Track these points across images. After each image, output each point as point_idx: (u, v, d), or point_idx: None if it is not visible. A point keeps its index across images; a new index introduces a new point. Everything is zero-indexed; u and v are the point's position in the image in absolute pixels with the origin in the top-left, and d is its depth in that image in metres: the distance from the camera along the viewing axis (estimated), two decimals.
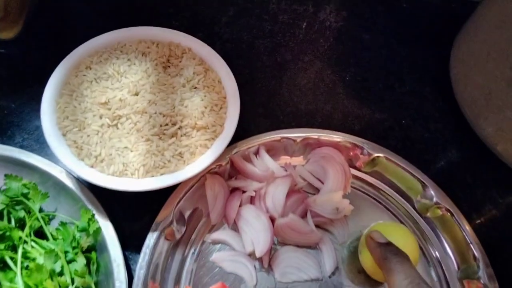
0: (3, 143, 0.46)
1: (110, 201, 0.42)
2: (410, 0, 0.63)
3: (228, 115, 0.43)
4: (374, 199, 0.48)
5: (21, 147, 0.46)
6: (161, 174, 0.39)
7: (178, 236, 0.43)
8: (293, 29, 0.60)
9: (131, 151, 0.39)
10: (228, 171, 0.46)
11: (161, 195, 0.43)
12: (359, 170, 0.49)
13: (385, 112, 0.54)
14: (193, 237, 0.45)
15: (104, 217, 0.41)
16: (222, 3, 0.61)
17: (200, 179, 0.44)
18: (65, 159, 0.38)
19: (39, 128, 0.49)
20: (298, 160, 0.49)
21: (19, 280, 0.35)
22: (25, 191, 0.40)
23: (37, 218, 0.40)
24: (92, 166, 0.39)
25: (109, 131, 0.40)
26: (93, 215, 0.40)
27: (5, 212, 0.40)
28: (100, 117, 0.41)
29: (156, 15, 0.58)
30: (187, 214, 0.44)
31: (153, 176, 0.39)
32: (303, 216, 0.46)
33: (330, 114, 0.53)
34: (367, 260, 0.42)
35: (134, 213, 0.44)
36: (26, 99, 0.50)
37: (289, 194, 0.45)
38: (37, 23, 0.55)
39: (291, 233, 0.44)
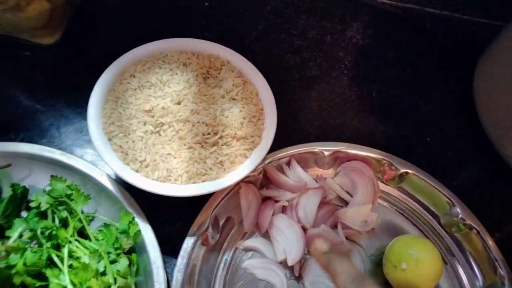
0: (43, 145, 0.47)
1: (146, 204, 0.43)
2: (434, 20, 0.66)
3: (266, 127, 0.44)
4: (400, 213, 0.50)
5: (60, 149, 0.48)
6: (203, 181, 0.41)
7: (212, 242, 0.44)
8: (321, 44, 0.62)
9: (174, 157, 0.41)
10: (260, 181, 0.48)
11: (195, 201, 0.44)
12: (386, 184, 0.50)
13: (410, 129, 0.56)
14: (226, 243, 0.46)
15: (143, 220, 0.42)
16: (252, 18, 0.63)
17: (234, 188, 0.45)
18: (112, 163, 0.39)
19: (77, 131, 0.50)
20: (327, 173, 0.51)
21: (66, 278, 0.36)
22: (69, 192, 0.42)
23: (79, 219, 0.41)
24: (137, 171, 0.40)
25: (153, 138, 0.42)
26: (133, 218, 0.41)
27: (49, 212, 0.41)
28: (144, 124, 0.42)
29: (188, 26, 0.60)
30: (221, 220, 0.45)
31: (195, 182, 0.40)
32: (332, 227, 0.47)
33: (357, 128, 0.55)
34: (390, 271, 0.44)
35: (168, 218, 0.45)
36: (65, 103, 0.52)
37: (319, 206, 0.47)
38: (75, 29, 0.57)
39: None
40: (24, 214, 0.43)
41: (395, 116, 0.57)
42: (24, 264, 0.36)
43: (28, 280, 0.37)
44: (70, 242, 0.39)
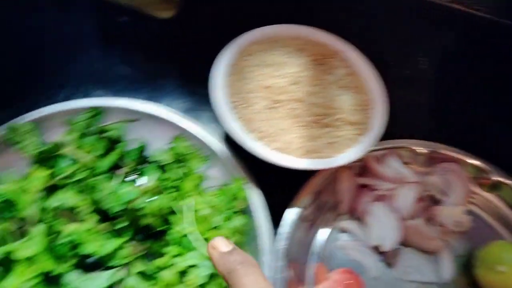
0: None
1: (254, 173, 0.46)
2: None
3: (376, 116, 0.46)
4: (493, 218, 0.50)
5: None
6: (315, 158, 0.43)
7: (310, 218, 0.46)
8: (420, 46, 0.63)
9: (291, 133, 0.44)
10: (358, 168, 0.49)
11: (299, 178, 0.46)
12: (481, 188, 0.51)
13: None
14: (322, 222, 0.48)
15: (254, 185, 0.45)
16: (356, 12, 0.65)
17: (335, 171, 0.47)
18: (235, 131, 0.42)
19: (192, 98, 0.54)
20: (420, 171, 0.52)
21: (187, 226, 0.40)
22: (188, 151, 0.45)
23: (197, 177, 0.44)
24: (257, 140, 0.43)
25: (270, 112, 0.45)
26: (245, 182, 0.44)
27: (169, 168, 0.44)
28: (263, 99, 0.45)
29: (299, 12, 0.63)
30: (320, 200, 0.47)
31: (309, 158, 0.43)
32: (425, 223, 0.48)
33: (463, 131, 0.55)
34: (484, 273, 0.44)
35: (271, 189, 0.48)
36: (183, 74, 0.56)
37: (415, 200, 0.48)
38: (191, 6, 0.61)
39: (415, 236, 0.46)
40: None
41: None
42: (153, 208, 0.40)
43: (156, 222, 0.40)
44: (189, 196, 0.42)
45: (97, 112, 0.46)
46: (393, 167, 0.49)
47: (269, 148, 0.43)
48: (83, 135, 0.44)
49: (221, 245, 0.29)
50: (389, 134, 0.53)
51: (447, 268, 0.46)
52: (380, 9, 0.66)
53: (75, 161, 0.42)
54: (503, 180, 0.49)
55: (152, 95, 0.54)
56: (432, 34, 0.65)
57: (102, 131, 0.44)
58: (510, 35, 0.66)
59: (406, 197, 0.47)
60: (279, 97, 0.45)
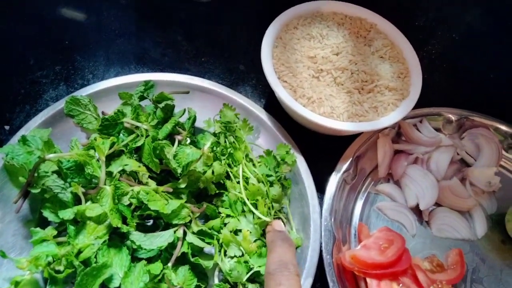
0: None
1: (300, 140, 0.49)
2: None
3: (412, 83, 0.49)
4: None
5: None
6: (360, 121, 0.46)
7: (351, 182, 0.49)
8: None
9: (336, 98, 0.46)
10: (393, 135, 0.52)
11: (340, 144, 0.49)
12: (508, 152, 0.54)
13: None
14: (362, 186, 0.51)
15: (297, 152, 0.48)
16: None
17: (373, 137, 0.50)
18: (284, 97, 0.45)
19: (231, 76, 0.57)
20: (453, 135, 0.54)
21: (242, 190, 0.42)
22: (237, 120, 0.48)
23: (245, 146, 0.47)
24: (305, 106, 0.46)
25: (315, 81, 0.47)
26: (290, 148, 0.47)
27: (221, 136, 0.47)
28: (308, 68, 0.48)
29: None
30: (359, 164, 0.50)
31: (353, 121, 0.46)
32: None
33: (482, 99, 0.58)
34: None
35: (317, 154, 0.50)
36: (222, 53, 0.59)
37: (449, 163, 0.51)
38: None
39: (450, 195, 0.49)
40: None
41: None
42: (210, 174, 0.43)
43: (212, 186, 0.43)
44: (239, 164, 0.45)
45: (150, 85, 0.48)
46: (427, 131, 0.52)
47: (316, 112, 0.45)
48: (139, 106, 0.46)
49: (277, 225, 0.41)
50: (422, 101, 0.56)
51: (480, 226, 0.49)
52: None
53: (133, 130, 0.45)
54: None
55: (195, 71, 0.57)
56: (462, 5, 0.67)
57: (157, 101, 0.46)
58: None
59: (441, 160, 0.50)
60: (323, 66, 0.48)
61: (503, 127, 0.53)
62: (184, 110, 0.48)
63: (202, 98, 0.51)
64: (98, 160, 0.42)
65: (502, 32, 0.66)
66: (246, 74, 0.58)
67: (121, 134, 0.45)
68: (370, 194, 0.51)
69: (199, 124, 0.49)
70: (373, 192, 0.51)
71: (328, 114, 0.46)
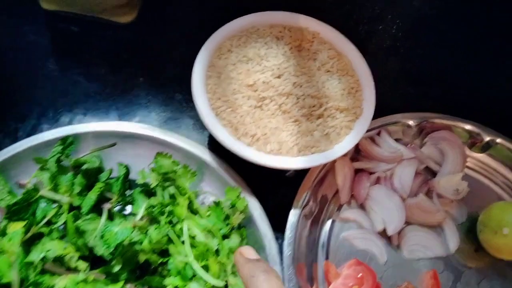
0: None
1: (250, 179, 0.43)
2: None
3: (365, 98, 0.44)
4: (489, 179, 0.50)
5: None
6: (312, 153, 0.41)
7: (313, 214, 0.45)
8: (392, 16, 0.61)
9: (283, 131, 0.41)
10: (351, 153, 0.48)
11: (295, 176, 0.45)
12: (472, 151, 0.51)
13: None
14: (324, 216, 0.47)
15: (249, 194, 0.42)
16: None
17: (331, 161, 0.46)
18: (224, 139, 0.40)
19: (166, 109, 0.50)
20: (414, 144, 0.51)
21: (189, 254, 0.37)
22: (175, 168, 0.42)
23: (188, 196, 0.41)
24: (249, 145, 0.40)
25: (258, 112, 0.42)
26: (240, 192, 0.42)
27: (158, 189, 0.41)
28: (248, 99, 0.42)
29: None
30: (319, 193, 0.46)
31: (305, 155, 0.41)
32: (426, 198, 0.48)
33: (439, 98, 0.55)
34: (489, 237, 0.45)
35: (270, 190, 0.46)
36: (153, 81, 0.51)
37: (414, 176, 0.47)
38: (150, 8, 0.55)
39: (418, 212, 0.46)
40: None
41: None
42: (148, 244, 0.37)
43: (153, 257, 0.38)
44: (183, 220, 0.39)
45: (69, 142, 0.41)
46: (386, 145, 0.48)
47: (263, 152, 0.40)
48: (57, 173, 0.39)
49: (249, 253, 0.31)
50: (376, 111, 0.52)
51: (452, 239, 0.46)
52: None
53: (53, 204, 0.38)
54: (494, 139, 0.50)
55: (125, 110, 0.50)
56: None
57: (78, 165, 0.40)
58: None
59: (404, 175, 0.47)
60: (265, 94, 0.42)
61: (465, 126, 0.50)
62: (110, 170, 0.41)
63: (134, 145, 0.44)
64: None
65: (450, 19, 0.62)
66: (184, 104, 0.51)
67: (41, 211, 0.38)
68: (335, 223, 0.47)
69: (134, 176, 0.43)
70: (339, 220, 0.47)
71: (277, 151, 0.40)
